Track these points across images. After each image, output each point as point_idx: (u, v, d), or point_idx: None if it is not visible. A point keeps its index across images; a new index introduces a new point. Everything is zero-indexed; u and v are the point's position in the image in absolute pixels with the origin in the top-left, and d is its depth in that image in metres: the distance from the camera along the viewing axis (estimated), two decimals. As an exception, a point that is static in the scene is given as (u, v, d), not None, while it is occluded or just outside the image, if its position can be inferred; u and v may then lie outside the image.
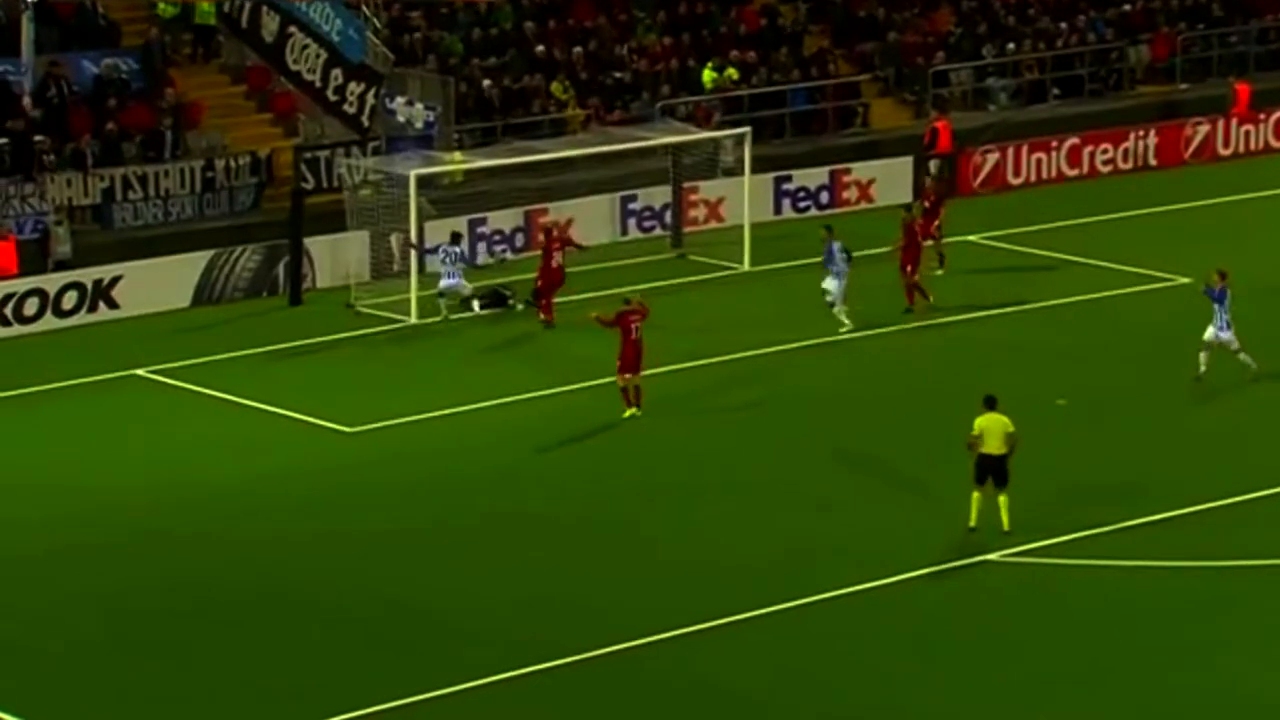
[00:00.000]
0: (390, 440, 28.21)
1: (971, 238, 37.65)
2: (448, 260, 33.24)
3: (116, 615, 23.00)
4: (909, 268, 32.86)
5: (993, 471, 24.23)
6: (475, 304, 33.26)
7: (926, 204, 34.86)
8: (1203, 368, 29.25)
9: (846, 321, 31.79)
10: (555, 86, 39.49)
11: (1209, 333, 29.22)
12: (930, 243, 34.29)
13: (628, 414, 28.20)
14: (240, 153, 36.62)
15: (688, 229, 37.09)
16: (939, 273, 34.34)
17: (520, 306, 33.34)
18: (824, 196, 38.68)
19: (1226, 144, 42.89)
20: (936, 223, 34.56)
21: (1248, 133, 42.98)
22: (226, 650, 22.12)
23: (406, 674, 21.45)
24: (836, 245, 32.00)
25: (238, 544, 24.85)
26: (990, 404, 24.44)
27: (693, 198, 37.59)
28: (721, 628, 22.23)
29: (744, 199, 36.16)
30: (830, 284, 31.93)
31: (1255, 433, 27.75)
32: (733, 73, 40.95)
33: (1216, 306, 29.16)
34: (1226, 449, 27.22)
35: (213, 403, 29.81)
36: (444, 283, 33.19)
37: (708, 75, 40.80)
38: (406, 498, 26.28)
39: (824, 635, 22.25)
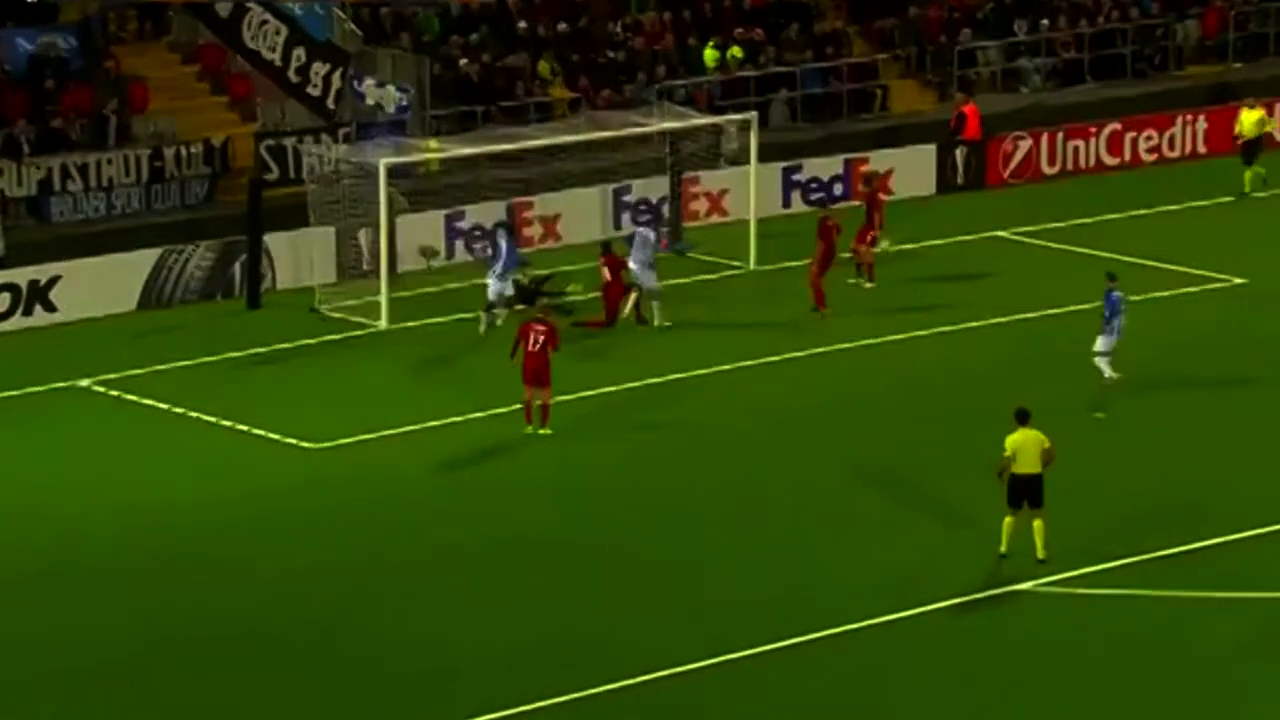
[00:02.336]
0: (359, 458, 28.31)
1: (1001, 233, 37.82)
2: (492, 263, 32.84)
3: (55, 651, 23.06)
4: (814, 268, 33.01)
5: (1028, 493, 24.34)
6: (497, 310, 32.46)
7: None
8: (1108, 374, 29.38)
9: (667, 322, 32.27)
10: (542, 66, 39.62)
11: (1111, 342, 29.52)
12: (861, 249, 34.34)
13: (528, 430, 28.33)
14: (192, 140, 36.71)
15: (688, 223, 37.25)
16: (868, 286, 34.36)
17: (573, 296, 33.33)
18: (838, 188, 38.82)
19: (1284, 129, 43.05)
20: (871, 232, 34.54)
21: (1307, 117, 43.16)
22: (185, 691, 22.17)
23: (396, 714, 21.54)
24: (651, 234, 32.67)
25: (194, 574, 24.91)
26: (1023, 418, 24.55)
27: (693, 189, 37.75)
28: (728, 663, 22.33)
29: (750, 191, 36.32)
30: (492, 284, 32.36)
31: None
32: (737, 52, 41.10)
33: (1121, 304, 29.41)
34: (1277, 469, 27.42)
35: (162, 417, 29.88)
36: (491, 287, 32.57)
37: (709, 55, 40.95)
38: (377, 522, 26.37)
39: (838, 672, 22.35)
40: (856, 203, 36.61)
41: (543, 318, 29.00)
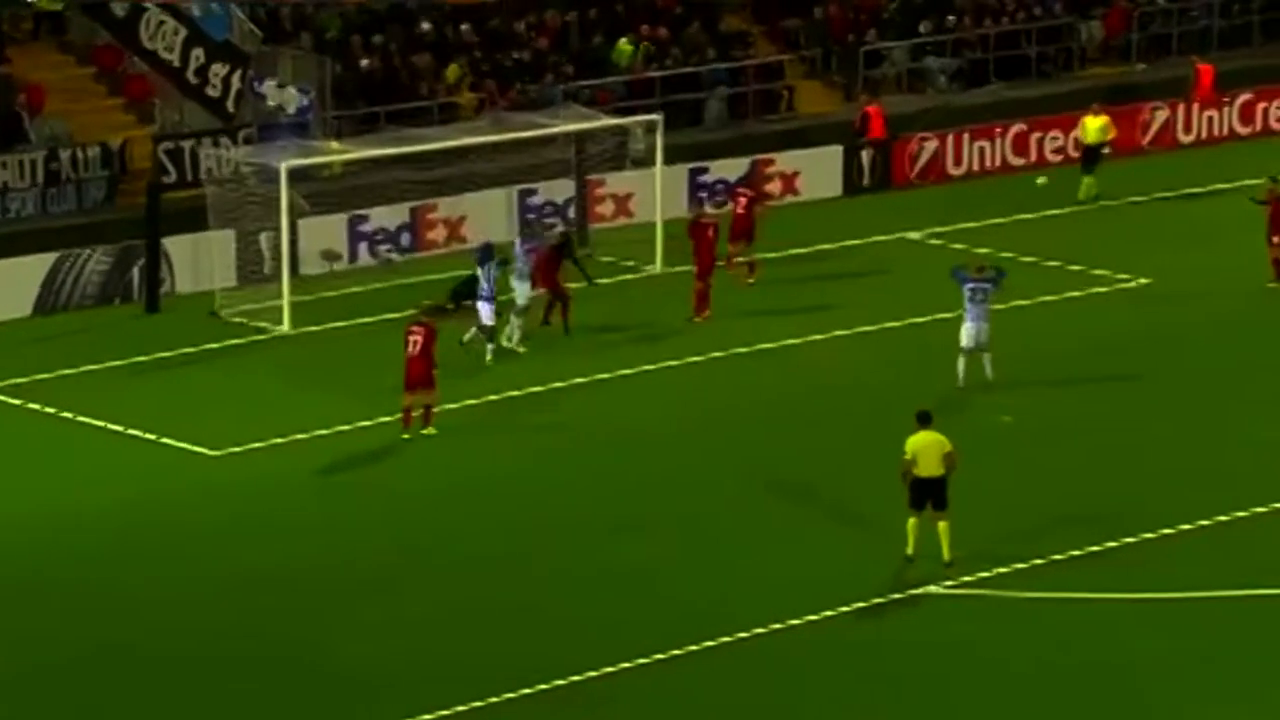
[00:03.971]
0: (261, 465, 28.08)
1: (909, 234, 37.95)
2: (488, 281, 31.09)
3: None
4: (697, 271, 32.97)
5: (930, 495, 24.39)
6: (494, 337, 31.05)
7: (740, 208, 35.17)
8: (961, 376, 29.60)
9: (519, 349, 31.18)
10: (451, 70, 39.42)
11: (966, 332, 29.51)
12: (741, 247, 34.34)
13: (405, 436, 28.22)
14: (89, 142, 36.34)
15: (594, 225, 37.17)
16: (750, 281, 34.39)
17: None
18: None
19: (1188, 130, 43.43)
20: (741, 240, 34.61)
21: (1210, 118, 43.55)
22: (92, 704, 21.85)
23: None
24: (485, 265, 31.14)
25: (92, 588, 24.56)
26: (924, 420, 24.55)
27: (599, 191, 37.68)
28: (638, 669, 22.24)
29: (656, 193, 36.29)
30: (481, 308, 31.00)
31: (1215, 455, 28.02)
32: (648, 48, 41.06)
33: (975, 294, 29.51)
34: (1185, 471, 27.50)
35: (59, 424, 29.54)
36: (482, 311, 30.95)
37: (624, 47, 40.79)
38: (280, 531, 26.13)
39: (745, 677, 22.27)
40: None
41: (424, 320, 28.80)
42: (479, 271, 31.41)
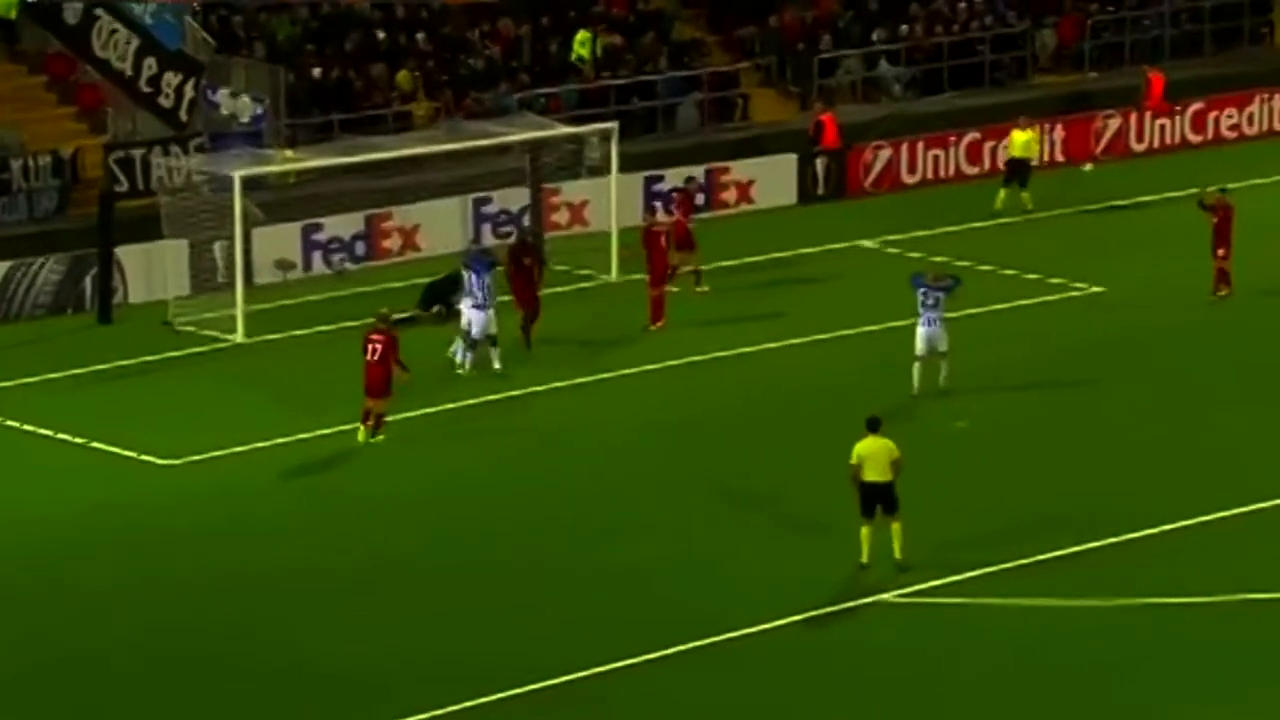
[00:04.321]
0: (214, 474, 27.95)
1: (863, 242, 38.02)
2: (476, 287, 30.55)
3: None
4: (651, 279, 32.94)
5: (879, 500, 24.37)
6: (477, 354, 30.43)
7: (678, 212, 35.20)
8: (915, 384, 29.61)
9: (499, 365, 30.60)
10: (402, 76, 39.37)
11: (919, 337, 29.53)
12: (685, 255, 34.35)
13: (360, 439, 28.20)
14: (40, 151, 36.15)
15: (548, 234, 37.15)
16: (698, 289, 34.34)
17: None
18: (700, 198, 38.82)
19: (1140, 138, 43.64)
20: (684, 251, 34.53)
21: (1162, 126, 43.77)
22: (73, 715, 21.72)
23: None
24: (483, 272, 30.65)
25: (44, 592, 24.43)
26: (873, 426, 24.52)
27: (554, 200, 37.65)
28: (611, 673, 22.18)
29: (611, 201, 36.28)
30: (475, 317, 30.56)
31: (1175, 459, 28.16)
32: (604, 40, 41.06)
33: (927, 298, 29.60)
34: (1144, 476, 27.60)
35: (9, 434, 29.35)
36: (474, 320, 30.51)
37: (582, 36, 40.73)
38: (252, 537, 26.02)
39: (723, 681, 22.22)
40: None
41: (384, 328, 28.76)
42: (470, 277, 30.90)
